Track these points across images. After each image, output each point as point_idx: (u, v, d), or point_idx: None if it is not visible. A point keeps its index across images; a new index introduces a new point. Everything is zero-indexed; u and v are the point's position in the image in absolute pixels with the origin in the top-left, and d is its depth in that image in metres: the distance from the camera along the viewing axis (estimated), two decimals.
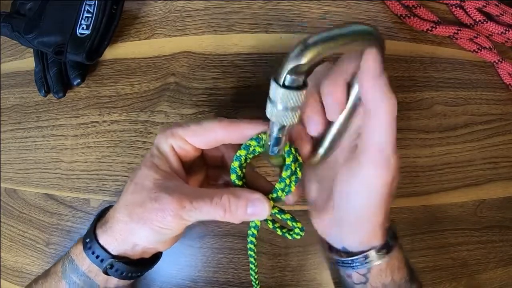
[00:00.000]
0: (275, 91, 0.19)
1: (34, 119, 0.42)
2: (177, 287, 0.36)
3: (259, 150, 0.24)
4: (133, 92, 0.39)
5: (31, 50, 0.43)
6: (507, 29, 0.39)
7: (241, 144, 0.25)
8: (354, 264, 0.27)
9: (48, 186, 0.41)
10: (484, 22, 0.39)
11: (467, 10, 0.40)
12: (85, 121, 0.40)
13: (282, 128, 0.21)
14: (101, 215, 0.29)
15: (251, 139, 0.24)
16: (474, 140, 0.39)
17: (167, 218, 0.24)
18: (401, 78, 0.38)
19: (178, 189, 0.25)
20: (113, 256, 0.27)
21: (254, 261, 0.29)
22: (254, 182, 0.27)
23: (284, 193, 0.25)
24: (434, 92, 0.39)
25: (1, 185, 0.44)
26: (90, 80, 0.40)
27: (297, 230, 0.26)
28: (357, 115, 0.24)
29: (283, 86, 0.19)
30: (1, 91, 0.46)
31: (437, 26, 0.39)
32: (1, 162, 0.44)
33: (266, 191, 0.25)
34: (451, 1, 0.40)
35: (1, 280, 0.42)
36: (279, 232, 0.27)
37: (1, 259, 0.43)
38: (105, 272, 0.27)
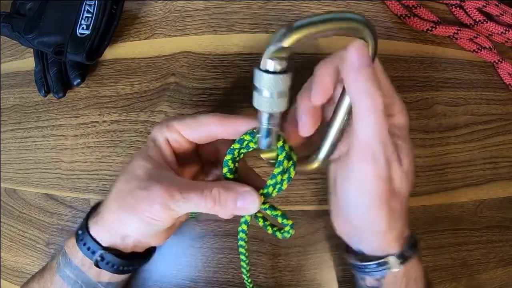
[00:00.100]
0: (260, 78, 0.19)
1: (34, 119, 0.42)
2: (177, 287, 0.36)
3: (253, 146, 0.24)
4: (133, 92, 0.39)
5: (31, 50, 0.43)
6: (507, 29, 0.39)
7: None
8: (367, 270, 0.27)
9: (48, 186, 0.41)
10: (484, 22, 0.39)
11: (467, 10, 0.40)
12: (85, 121, 0.40)
13: (270, 117, 0.21)
14: (96, 207, 0.29)
15: (245, 133, 0.24)
16: (474, 140, 0.39)
17: (155, 207, 0.23)
18: (401, 78, 0.38)
19: (169, 179, 0.25)
20: (104, 248, 0.26)
21: (245, 259, 0.28)
22: (245, 178, 0.27)
23: (275, 189, 0.25)
24: (434, 92, 0.39)
25: (1, 185, 0.44)
26: (90, 80, 0.40)
27: (287, 228, 0.26)
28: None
29: (267, 71, 0.19)
30: (1, 91, 0.46)
31: (437, 26, 0.39)
32: (1, 162, 0.44)
33: (258, 187, 0.25)
34: (451, 1, 0.40)
35: (1, 280, 0.42)
36: (269, 230, 0.27)
37: (1, 259, 0.43)
38: (96, 265, 0.27)
